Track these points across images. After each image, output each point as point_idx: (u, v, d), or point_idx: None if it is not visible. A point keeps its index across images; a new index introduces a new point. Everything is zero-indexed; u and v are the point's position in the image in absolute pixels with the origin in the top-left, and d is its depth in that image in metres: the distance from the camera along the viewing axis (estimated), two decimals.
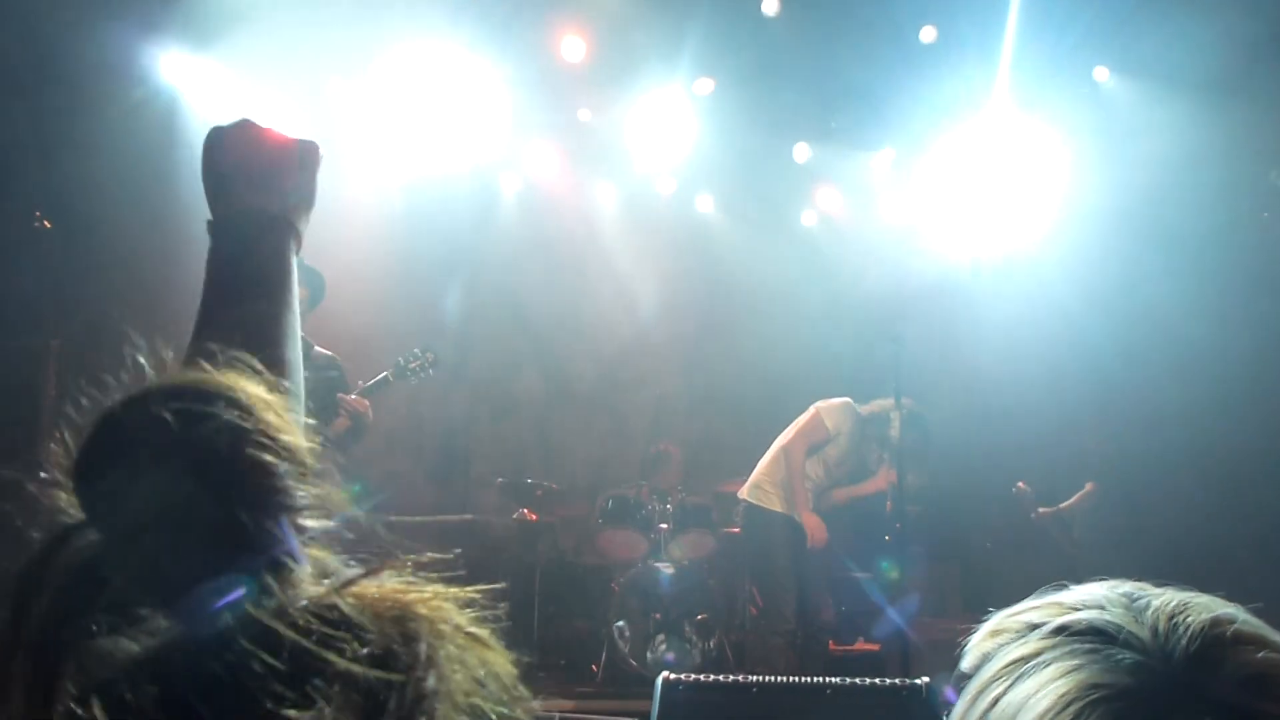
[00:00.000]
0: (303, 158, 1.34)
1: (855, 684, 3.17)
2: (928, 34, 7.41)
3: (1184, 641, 0.73)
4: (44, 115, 6.37)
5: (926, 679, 3.24)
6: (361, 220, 8.01)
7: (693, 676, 3.29)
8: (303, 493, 0.70)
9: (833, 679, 3.20)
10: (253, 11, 6.55)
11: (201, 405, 0.68)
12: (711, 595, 6.76)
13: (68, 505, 0.68)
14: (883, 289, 8.37)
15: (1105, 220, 7.66)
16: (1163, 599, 0.79)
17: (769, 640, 5.79)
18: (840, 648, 6.71)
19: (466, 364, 8.73)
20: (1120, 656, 0.74)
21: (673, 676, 3.28)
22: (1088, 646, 0.76)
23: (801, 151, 8.68)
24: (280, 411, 0.72)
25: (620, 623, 6.67)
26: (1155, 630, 0.75)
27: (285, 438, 0.70)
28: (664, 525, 7.03)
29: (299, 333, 1.28)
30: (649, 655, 6.63)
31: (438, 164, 8.19)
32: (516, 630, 5.66)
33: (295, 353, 1.27)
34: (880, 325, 7.58)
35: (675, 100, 8.16)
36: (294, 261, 1.32)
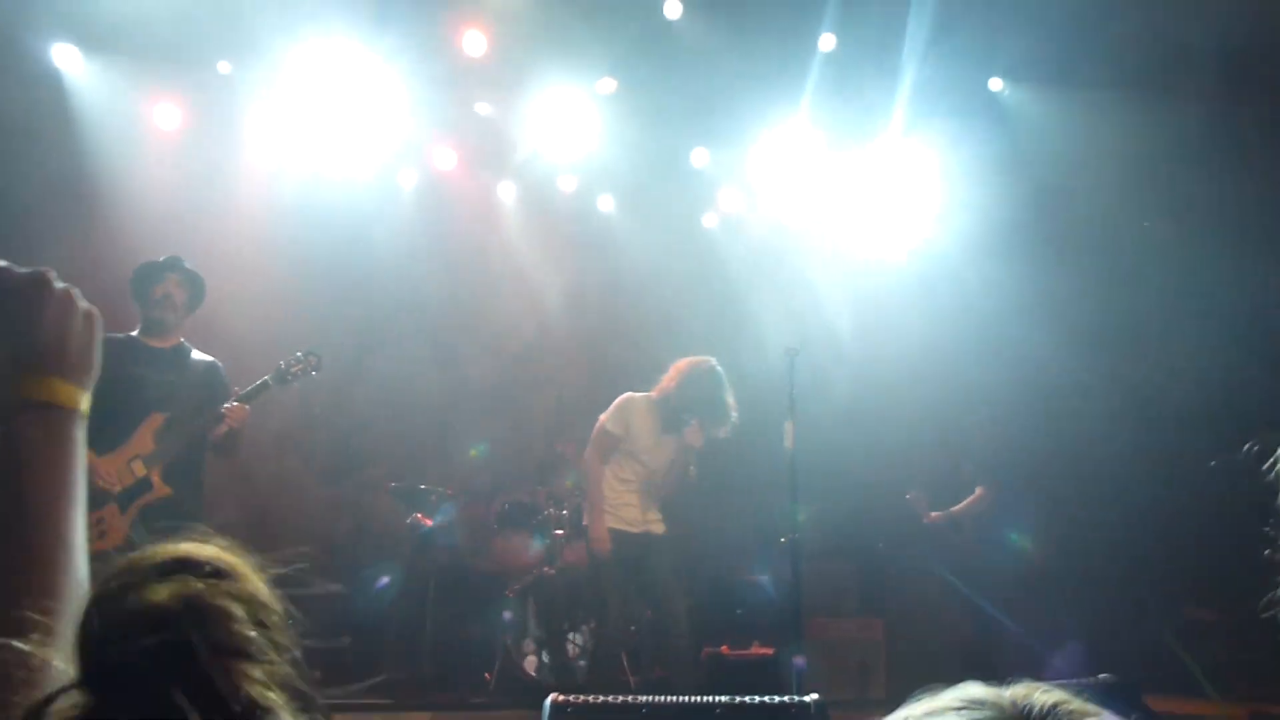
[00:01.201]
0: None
1: (744, 702, 3.15)
2: (827, 42, 7.47)
3: (1036, 709, 0.88)
4: None
5: (815, 695, 3.23)
6: (251, 217, 7.79)
7: (581, 698, 3.24)
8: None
9: (721, 698, 3.17)
10: (153, 5, 6.36)
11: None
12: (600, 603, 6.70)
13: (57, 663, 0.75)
14: (781, 293, 8.42)
15: (997, 227, 7.81)
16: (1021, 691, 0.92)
17: (609, 653, 5.68)
18: (735, 652, 6.71)
19: (362, 363, 8.53)
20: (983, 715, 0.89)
21: (561, 698, 3.22)
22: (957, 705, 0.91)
23: (701, 155, 8.68)
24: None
25: (514, 631, 6.58)
26: (1014, 702, 0.90)
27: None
28: (560, 531, 6.96)
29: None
30: (543, 662, 6.56)
31: (333, 159, 8.00)
32: (409, 638, 5.59)
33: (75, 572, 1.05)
34: (779, 328, 7.63)
35: (578, 99, 8.09)
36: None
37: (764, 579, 7.37)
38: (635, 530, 5.49)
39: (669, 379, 5.66)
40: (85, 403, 1.06)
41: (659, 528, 5.59)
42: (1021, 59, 7.67)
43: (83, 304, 1.09)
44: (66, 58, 7.10)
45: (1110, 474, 7.27)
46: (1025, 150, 7.88)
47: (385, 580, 6.54)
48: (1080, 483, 7.32)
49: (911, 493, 7.20)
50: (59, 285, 1.08)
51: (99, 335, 1.11)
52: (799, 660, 5.04)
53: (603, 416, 5.73)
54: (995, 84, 8.02)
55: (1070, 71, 7.44)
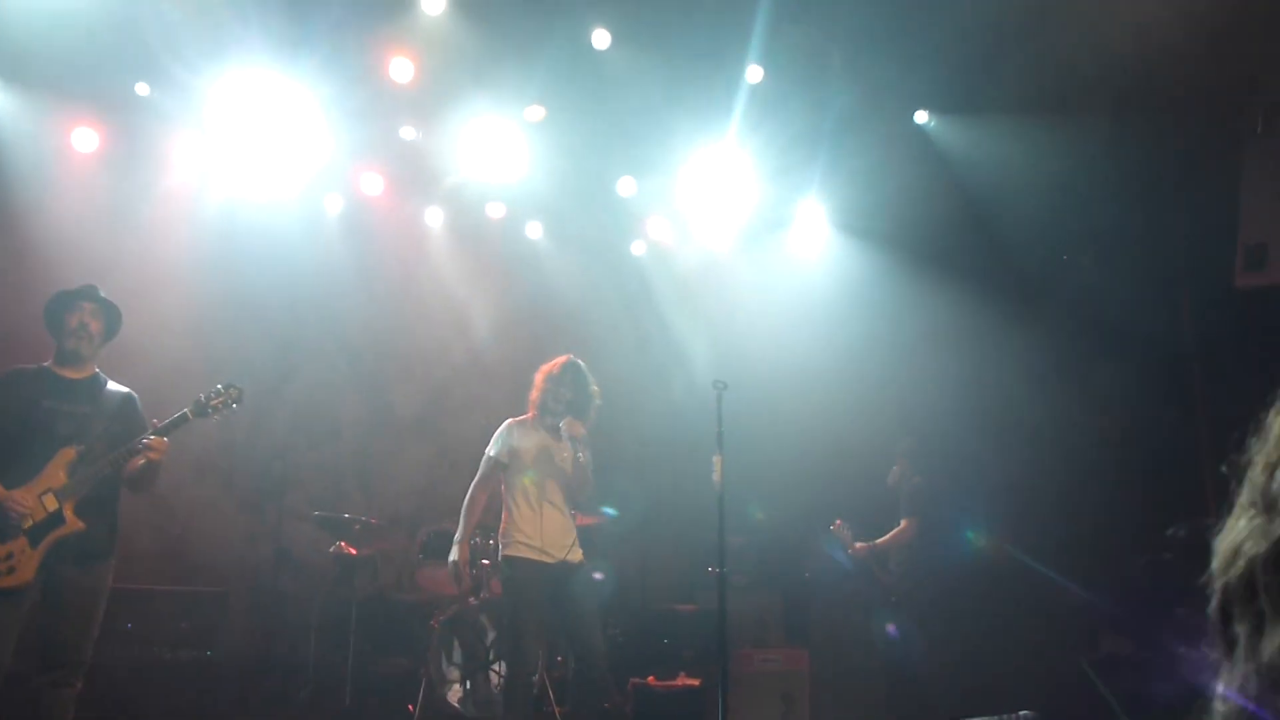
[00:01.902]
0: None
1: None
2: (754, 74, 7.56)
3: None
4: None
5: None
6: (172, 241, 7.65)
7: None
8: None
9: None
10: (59, 32, 6.24)
11: None
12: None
13: None
14: (709, 323, 8.49)
15: (923, 259, 7.96)
16: None
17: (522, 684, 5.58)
18: (662, 684, 6.71)
19: (284, 388, 8.40)
20: None
21: None
22: None
23: (628, 184, 8.72)
24: None
25: (438, 661, 6.50)
26: None
27: None
28: (486, 561, 6.90)
29: None
30: (467, 694, 6.49)
31: (257, 182, 7.89)
32: (329, 668, 5.49)
33: None
34: (707, 358, 7.67)
35: (506, 126, 8.08)
36: None
37: (693, 608, 7.37)
38: (551, 561, 5.44)
39: (535, 389, 5.75)
40: None
41: (576, 555, 5.54)
42: (941, 89, 7.83)
43: None
44: None
45: (1030, 504, 7.42)
46: (948, 180, 8.03)
47: None
48: (1003, 513, 7.45)
49: (837, 523, 7.27)
50: None
51: None
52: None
53: (487, 448, 5.73)
54: (920, 116, 8.17)
55: (986, 100, 7.61)
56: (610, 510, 7.51)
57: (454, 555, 5.53)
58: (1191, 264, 7.41)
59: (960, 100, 7.82)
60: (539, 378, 5.75)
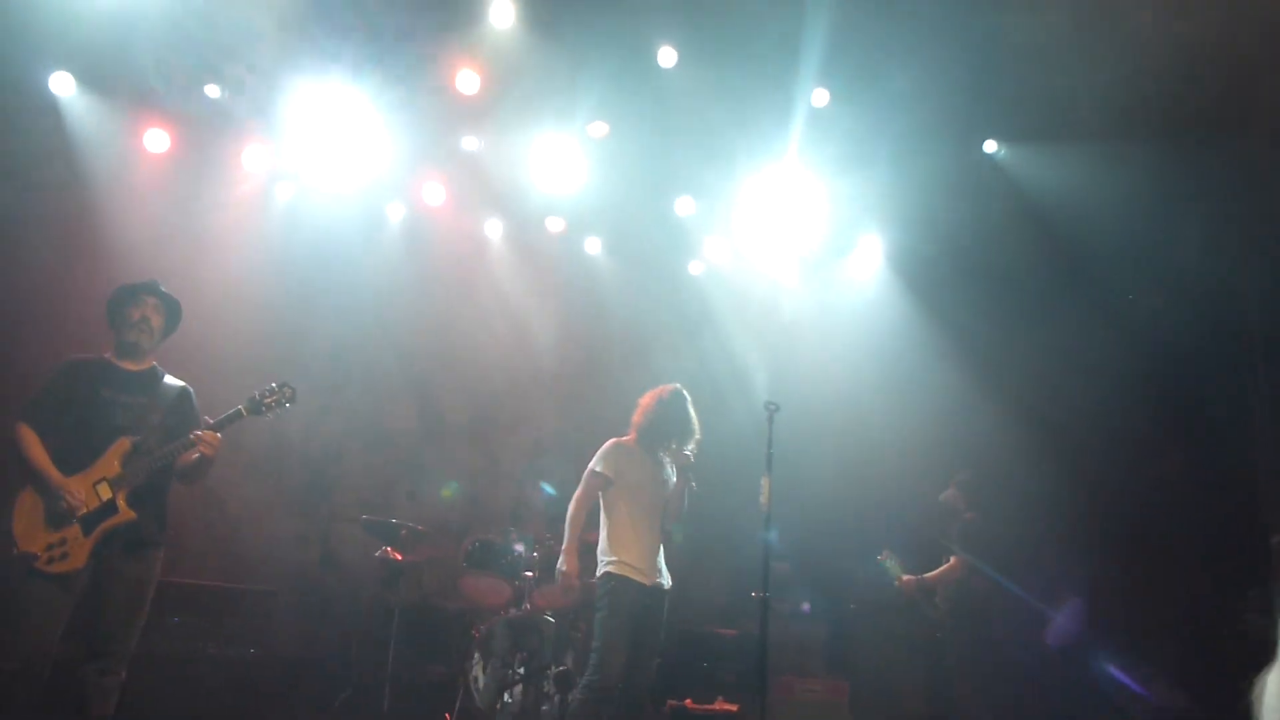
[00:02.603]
0: None
1: None
2: (820, 98, 7.53)
3: None
4: None
5: None
6: (237, 240, 7.77)
7: None
8: None
9: None
10: (135, 37, 6.39)
11: None
12: (574, 646, 6.63)
13: None
14: (763, 344, 8.44)
15: (986, 289, 7.85)
16: None
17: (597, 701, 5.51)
18: (699, 707, 6.65)
19: (339, 393, 8.49)
20: None
21: None
22: None
23: (687, 204, 8.71)
24: None
25: (478, 670, 6.49)
26: None
27: None
28: (530, 573, 6.90)
29: None
30: (505, 706, 6.47)
31: (321, 188, 8.01)
32: (369, 671, 5.50)
33: None
34: (760, 379, 7.62)
35: (569, 141, 8.13)
36: None
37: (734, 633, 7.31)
38: (648, 583, 5.45)
39: (638, 414, 5.77)
40: None
41: (666, 581, 5.58)
42: (1009, 116, 7.72)
43: None
44: (63, 86, 7.12)
45: (1095, 544, 7.24)
46: (1014, 208, 7.90)
47: None
48: (1061, 552, 7.28)
49: (884, 552, 7.16)
50: None
51: None
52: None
53: (591, 463, 5.72)
54: (990, 145, 8.07)
55: (1057, 127, 7.47)
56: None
57: (563, 565, 5.54)
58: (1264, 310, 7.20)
59: (1030, 128, 7.70)
60: (646, 402, 5.78)
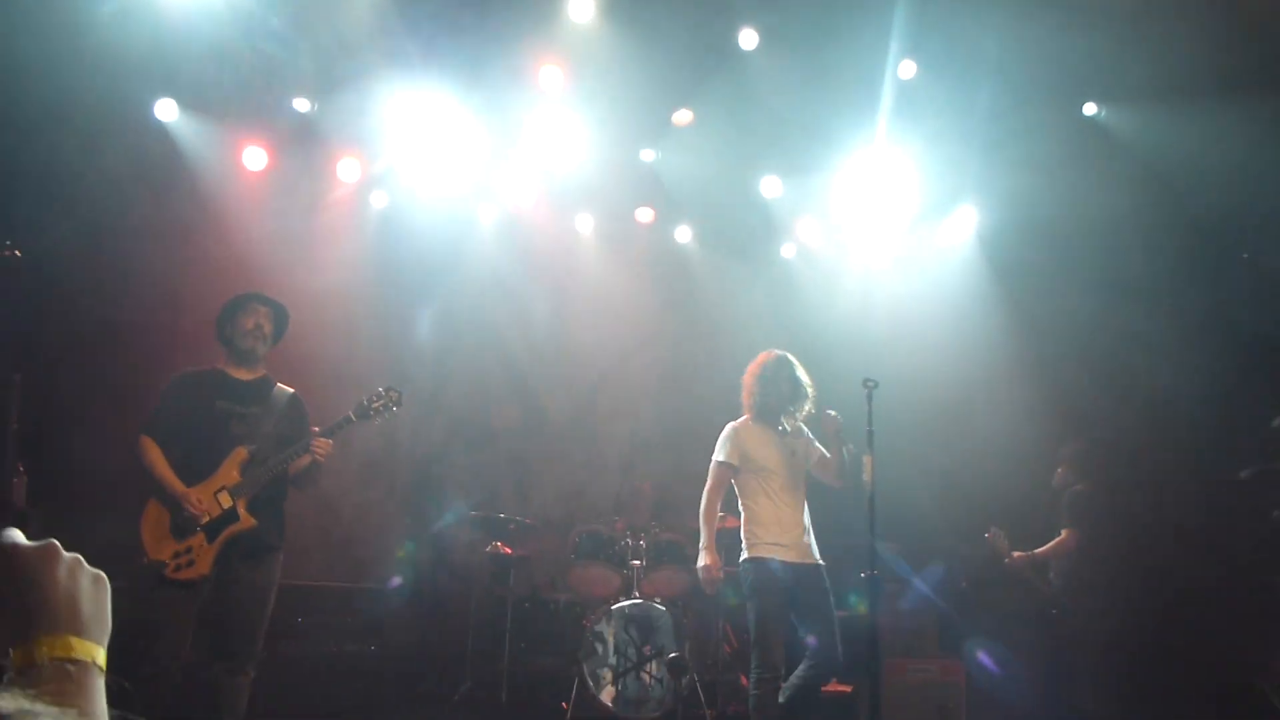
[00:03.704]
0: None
1: None
2: (906, 69, 7.40)
3: None
4: (24, 145, 6.38)
5: None
6: (335, 249, 7.98)
7: None
8: None
9: None
10: (227, 58, 6.63)
11: None
12: (685, 633, 6.67)
13: None
14: (855, 325, 8.33)
15: (1090, 256, 7.63)
16: None
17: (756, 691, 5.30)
18: (834, 689, 6.61)
19: (442, 394, 8.66)
20: None
21: None
22: None
23: (776, 185, 8.64)
24: None
25: (591, 660, 6.57)
26: None
27: None
28: (637, 561, 6.95)
29: None
30: (620, 694, 6.54)
31: (413, 193, 8.16)
32: (486, 664, 5.62)
33: None
34: (856, 361, 7.54)
35: (655, 130, 8.15)
36: None
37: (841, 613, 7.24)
38: (795, 560, 5.33)
39: (745, 392, 5.68)
40: (101, 657, 1.14)
41: (815, 556, 5.42)
42: (1107, 77, 7.47)
43: (89, 569, 1.18)
44: (167, 111, 7.39)
45: (1211, 515, 6.99)
46: (1116, 172, 7.65)
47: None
48: (1175, 522, 7.05)
49: (991, 530, 7.01)
50: (67, 555, 1.16)
51: (108, 596, 1.19)
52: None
53: (714, 453, 5.67)
54: (1089, 108, 7.84)
55: (1160, 86, 7.20)
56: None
57: (703, 560, 5.47)
58: None
59: (1131, 88, 7.45)
60: (749, 377, 5.68)
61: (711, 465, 5.63)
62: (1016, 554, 6.94)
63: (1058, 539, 6.88)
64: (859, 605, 6.92)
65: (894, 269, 8.74)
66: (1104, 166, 7.64)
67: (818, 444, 5.65)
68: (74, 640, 1.13)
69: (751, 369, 5.69)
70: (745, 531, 5.50)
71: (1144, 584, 6.80)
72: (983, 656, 6.64)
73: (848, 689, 6.58)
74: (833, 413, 5.45)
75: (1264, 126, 6.78)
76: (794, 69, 7.37)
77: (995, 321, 8.11)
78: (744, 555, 5.45)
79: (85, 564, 1.18)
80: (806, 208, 8.88)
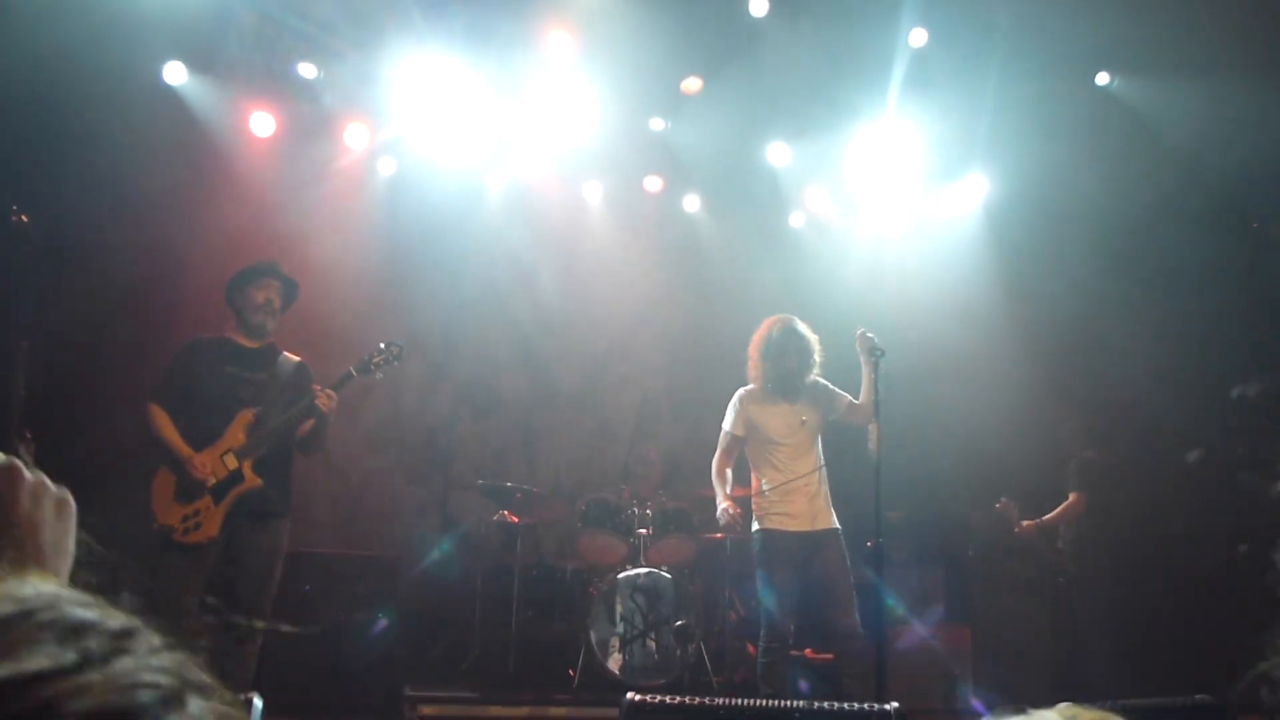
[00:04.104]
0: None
1: (822, 708, 3.12)
2: (918, 38, 7.34)
3: None
4: (32, 110, 6.37)
5: (895, 704, 3.18)
6: (344, 218, 7.95)
7: (659, 698, 3.23)
8: None
9: (799, 703, 3.14)
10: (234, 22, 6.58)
11: None
12: (691, 601, 6.69)
13: None
14: (865, 294, 8.29)
15: (1099, 225, 7.59)
16: None
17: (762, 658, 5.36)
18: (819, 657, 6.64)
19: (450, 363, 8.66)
20: None
21: (638, 698, 3.22)
22: None
23: (785, 153, 8.58)
24: None
25: (598, 627, 6.61)
26: None
27: None
28: (644, 530, 6.97)
29: None
30: (627, 661, 6.57)
31: (421, 160, 8.13)
32: (494, 632, 5.65)
33: None
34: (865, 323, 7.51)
35: (664, 98, 8.09)
36: None
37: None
38: (804, 529, 5.30)
39: (752, 361, 5.61)
40: None
41: (825, 522, 5.35)
42: (1123, 47, 7.39)
43: (54, 491, 1.08)
44: (176, 75, 7.35)
45: (1208, 481, 6.99)
46: (1131, 145, 7.59)
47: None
48: (1179, 489, 7.05)
49: (1002, 500, 7.02)
50: (30, 476, 1.06)
51: (73, 522, 1.09)
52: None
53: (723, 421, 5.64)
54: (1102, 78, 7.77)
55: (1175, 59, 7.11)
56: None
57: (721, 506, 5.44)
58: None
59: (1146, 60, 7.38)
60: (752, 350, 5.61)
61: (721, 433, 5.63)
62: (1026, 522, 6.95)
63: (1066, 503, 6.89)
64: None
65: (903, 238, 8.69)
66: (1115, 138, 7.59)
67: (841, 393, 5.54)
68: (34, 575, 1.06)
69: (755, 339, 5.63)
70: (754, 502, 5.50)
71: (1152, 549, 6.81)
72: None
73: (829, 657, 6.60)
74: (864, 330, 5.34)
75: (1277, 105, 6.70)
76: (805, 36, 7.31)
77: (1002, 291, 8.07)
78: (754, 525, 5.46)
79: (50, 485, 1.09)
80: (815, 177, 8.83)
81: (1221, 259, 7.29)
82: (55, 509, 1.08)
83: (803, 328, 5.54)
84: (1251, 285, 7.25)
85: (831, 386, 5.58)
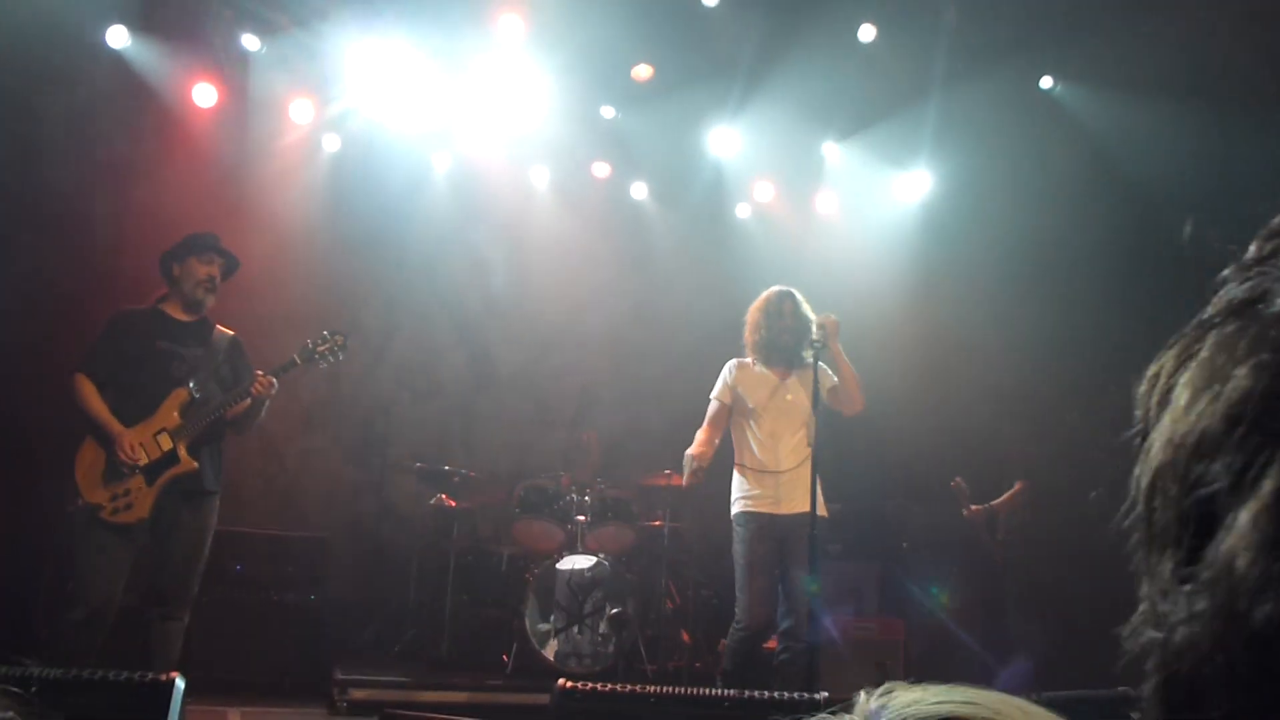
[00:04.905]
0: None
1: (753, 697, 3.13)
2: (866, 33, 7.39)
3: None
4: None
5: (826, 693, 3.20)
6: (281, 191, 7.83)
7: (590, 685, 3.23)
8: None
9: (729, 691, 3.15)
10: None
11: None
12: (628, 589, 6.70)
13: None
14: (809, 285, 8.33)
15: (1043, 221, 7.69)
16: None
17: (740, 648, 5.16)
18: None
19: (389, 344, 8.57)
20: None
21: (569, 684, 3.21)
22: None
23: (734, 142, 8.59)
24: None
25: (533, 614, 6.59)
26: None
27: None
28: (582, 517, 6.96)
29: None
30: (561, 648, 6.56)
31: (366, 140, 8.03)
32: (428, 616, 5.61)
33: None
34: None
35: (613, 84, 8.06)
36: None
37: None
38: (781, 512, 5.11)
39: (748, 329, 5.43)
40: None
41: (803, 505, 4.97)
42: (1072, 56, 7.50)
43: None
44: (119, 38, 7.17)
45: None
46: (1075, 151, 7.70)
47: None
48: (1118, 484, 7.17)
49: (956, 480, 7.08)
50: None
51: None
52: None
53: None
54: (1046, 81, 7.88)
55: (1121, 74, 7.23)
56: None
57: (690, 452, 5.22)
58: None
59: (1091, 70, 7.49)
60: (749, 317, 5.42)
61: (710, 408, 5.44)
62: (975, 507, 7.04)
63: (1011, 490, 7.00)
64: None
65: (844, 230, 8.76)
66: (1055, 142, 7.71)
67: (831, 374, 5.33)
68: None
69: (756, 304, 5.45)
70: (735, 482, 5.33)
71: (1080, 539, 6.92)
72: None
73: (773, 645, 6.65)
74: (831, 316, 5.17)
75: (1223, 131, 6.83)
76: (754, 25, 7.33)
77: (944, 282, 8.16)
78: (732, 510, 5.29)
79: None
80: (762, 167, 8.86)
81: (1150, 273, 7.44)
82: None
83: (803, 302, 5.36)
84: (1167, 289, 7.37)
85: (827, 370, 5.31)
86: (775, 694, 3.13)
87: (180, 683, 2.70)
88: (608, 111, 8.41)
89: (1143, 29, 6.68)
